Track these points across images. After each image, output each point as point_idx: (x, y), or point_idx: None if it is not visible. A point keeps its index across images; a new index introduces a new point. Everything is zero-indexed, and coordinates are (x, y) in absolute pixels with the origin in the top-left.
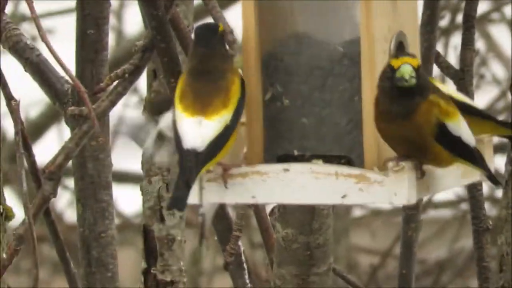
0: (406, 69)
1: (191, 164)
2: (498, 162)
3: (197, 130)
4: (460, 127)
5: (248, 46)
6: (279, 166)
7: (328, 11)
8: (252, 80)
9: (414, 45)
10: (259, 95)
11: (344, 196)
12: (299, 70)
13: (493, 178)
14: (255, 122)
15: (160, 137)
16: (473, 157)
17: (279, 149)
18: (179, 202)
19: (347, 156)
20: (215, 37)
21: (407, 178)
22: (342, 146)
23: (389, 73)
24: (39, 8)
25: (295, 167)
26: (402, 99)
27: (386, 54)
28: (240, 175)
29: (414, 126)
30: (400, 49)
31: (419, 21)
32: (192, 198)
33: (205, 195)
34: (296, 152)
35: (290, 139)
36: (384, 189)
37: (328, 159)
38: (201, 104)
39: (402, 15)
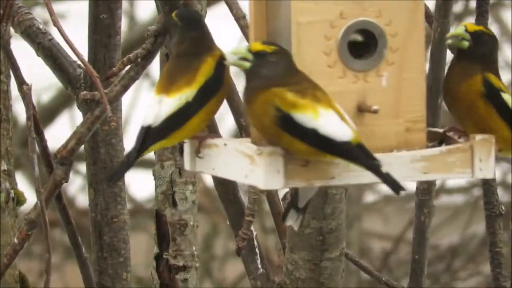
0: (238, 50)
1: (139, 140)
2: None
3: (156, 107)
4: (317, 120)
5: (255, 28)
6: (222, 141)
7: None
8: None
9: (404, 38)
10: None
11: (246, 176)
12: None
13: (387, 179)
14: None
15: None
16: (341, 152)
17: None
18: (115, 175)
19: None
20: (201, 21)
21: (263, 163)
22: None
23: None
24: None
25: (231, 142)
26: (247, 84)
27: (332, 40)
28: (208, 146)
29: (251, 112)
30: (370, 38)
31: (423, 16)
32: (187, 165)
33: (197, 163)
34: None
35: None
36: (260, 172)
37: None
38: (168, 83)
39: (383, 6)
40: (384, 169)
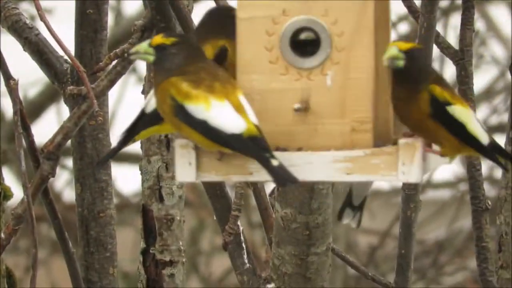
0: (141, 45)
1: (132, 123)
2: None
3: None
4: (208, 111)
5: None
6: None
7: None
8: None
9: (351, 38)
10: None
11: None
12: None
13: (273, 172)
14: None
15: None
16: (231, 144)
17: None
18: (102, 159)
19: None
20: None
21: (176, 155)
22: None
23: None
24: None
25: None
26: (154, 77)
27: (274, 36)
28: None
29: (156, 103)
30: (317, 35)
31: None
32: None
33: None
34: None
35: None
36: None
37: None
38: None
39: (330, 5)
40: (276, 162)
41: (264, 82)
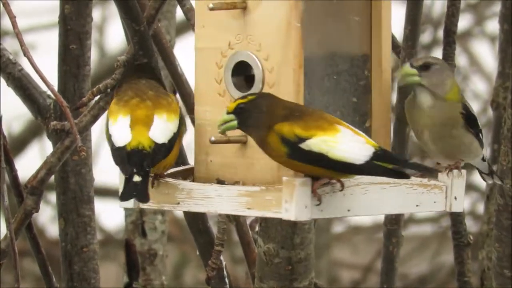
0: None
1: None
2: (479, 178)
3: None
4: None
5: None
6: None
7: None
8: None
9: (278, 74)
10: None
11: None
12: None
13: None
14: None
15: None
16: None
17: None
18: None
19: None
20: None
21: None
22: None
23: None
24: (21, 22)
25: None
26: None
27: (222, 69)
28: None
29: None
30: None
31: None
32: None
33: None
34: None
35: None
36: None
37: None
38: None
39: (263, 40)
40: (138, 178)
41: (214, 114)
